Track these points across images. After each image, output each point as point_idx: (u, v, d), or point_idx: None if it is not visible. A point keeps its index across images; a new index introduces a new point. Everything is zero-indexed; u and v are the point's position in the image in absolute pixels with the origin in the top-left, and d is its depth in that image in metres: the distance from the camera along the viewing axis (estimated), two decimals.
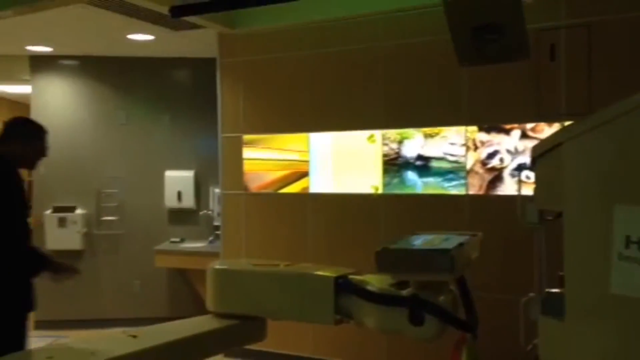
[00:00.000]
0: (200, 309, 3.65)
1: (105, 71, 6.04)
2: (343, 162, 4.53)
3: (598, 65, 3.56)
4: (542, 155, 1.88)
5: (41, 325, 5.83)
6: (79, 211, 5.95)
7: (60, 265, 3.11)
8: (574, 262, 1.66)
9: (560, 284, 1.88)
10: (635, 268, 1.52)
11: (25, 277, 2.96)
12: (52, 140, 5.98)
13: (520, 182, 2.06)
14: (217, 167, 5.08)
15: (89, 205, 6.02)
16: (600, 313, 1.62)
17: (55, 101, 6.04)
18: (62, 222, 5.88)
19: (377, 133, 4.39)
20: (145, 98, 6.08)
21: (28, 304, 3.03)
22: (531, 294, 1.95)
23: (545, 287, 1.95)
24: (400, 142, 4.31)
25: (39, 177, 6.00)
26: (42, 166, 5.92)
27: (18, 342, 2.93)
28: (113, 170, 6.01)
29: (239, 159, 4.89)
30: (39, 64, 5.97)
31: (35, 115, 5.98)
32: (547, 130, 3.75)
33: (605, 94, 3.44)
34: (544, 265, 1.93)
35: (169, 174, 5.97)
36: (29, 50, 5.75)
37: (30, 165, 3.18)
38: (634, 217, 1.52)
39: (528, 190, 2.33)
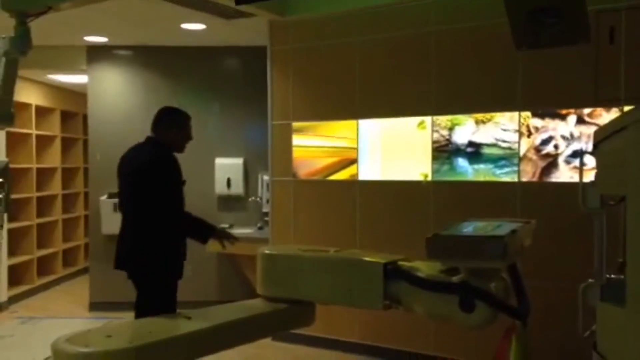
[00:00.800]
0: (248, 294, 3.73)
1: (158, 60, 6.18)
2: (392, 149, 4.51)
3: None
4: (604, 140, 1.83)
5: (95, 306, 6.06)
6: None
7: (224, 232, 3.57)
8: (637, 247, 1.61)
9: (619, 271, 1.84)
10: None
11: (190, 239, 3.48)
12: (106, 128, 6.22)
13: (582, 167, 2.01)
14: (266, 154, 5.14)
15: None
16: None
17: (110, 90, 6.22)
18: (116, 208, 6.05)
19: (427, 120, 4.35)
20: (197, 87, 6.19)
21: (179, 272, 3.51)
22: (590, 280, 1.91)
23: (606, 274, 1.91)
24: (450, 129, 4.26)
25: (95, 163, 6.20)
26: (98, 154, 6.16)
27: (171, 308, 3.35)
28: None
29: (288, 146, 4.94)
30: (95, 54, 6.15)
31: (91, 104, 6.20)
32: (604, 116, 3.64)
33: None
34: (604, 250, 1.88)
35: (219, 161, 6.08)
36: (86, 41, 5.93)
37: (180, 148, 3.53)
38: None
39: (584, 177, 2.27)
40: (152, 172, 3.32)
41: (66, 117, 7.94)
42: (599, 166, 1.96)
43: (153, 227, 3.32)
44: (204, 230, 3.52)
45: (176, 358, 2.73)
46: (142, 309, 3.31)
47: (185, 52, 6.11)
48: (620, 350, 1.72)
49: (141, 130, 6.16)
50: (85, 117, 6.79)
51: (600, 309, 1.84)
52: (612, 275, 1.89)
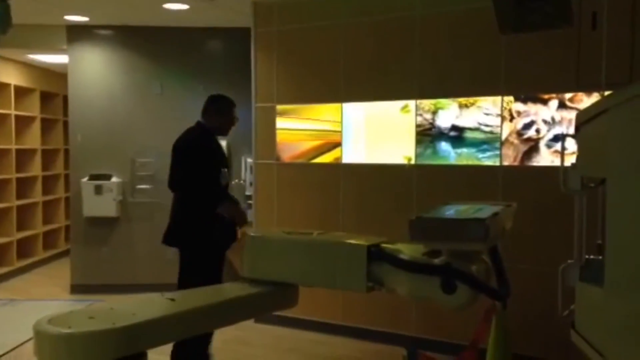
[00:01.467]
0: (231, 276, 3.73)
1: (140, 41, 6.09)
2: (376, 132, 4.52)
3: None
4: (586, 123, 1.86)
5: (76, 289, 6.03)
6: (114, 179, 6.08)
7: (241, 214, 3.69)
8: (616, 229, 1.65)
9: (598, 252, 1.88)
10: None
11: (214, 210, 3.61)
12: (87, 109, 6.14)
13: (563, 149, 2.04)
14: (249, 137, 5.12)
15: (124, 174, 6.14)
16: None
17: (92, 71, 6.13)
18: (98, 190, 6.02)
19: (411, 103, 4.36)
20: (180, 68, 6.13)
21: (217, 245, 3.75)
22: (570, 261, 1.95)
23: (585, 255, 1.95)
24: (434, 113, 4.28)
25: (76, 145, 6.13)
26: (79, 135, 6.09)
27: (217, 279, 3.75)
28: (148, 139, 6.10)
29: (272, 129, 4.92)
30: (76, 34, 6.05)
31: (72, 84, 6.11)
32: (585, 101, 3.68)
33: None
34: (584, 231, 1.92)
35: None
36: (66, 20, 5.83)
37: (224, 131, 3.85)
38: None
39: (566, 161, 2.30)
40: (183, 151, 3.68)
41: (46, 97, 7.82)
42: (580, 149, 1.99)
43: (187, 203, 3.68)
44: (217, 200, 3.66)
45: (160, 339, 2.72)
46: (186, 284, 3.48)
47: (168, 33, 6.03)
48: (597, 329, 1.76)
49: (123, 112, 6.16)
50: (65, 98, 6.69)
51: (579, 289, 1.88)
52: (591, 256, 1.92)
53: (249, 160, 5.52)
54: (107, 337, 2.49)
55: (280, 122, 4.90)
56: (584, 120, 1.88)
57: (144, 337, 2.61)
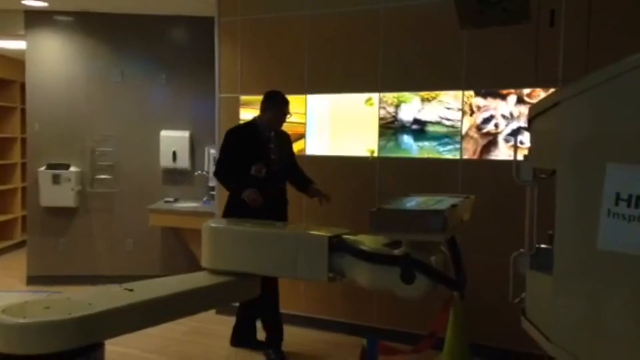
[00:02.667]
0: (192, 268, 3.71)
1: (101, 28, 5.96)
2: (340, 124, 4.55)
3: (596, 33, 3.56)
4: (538, 115, 1.91)
5: (34, 280, 5.90)
6: (73, 169, 5.95)
7: (254, 197, 3.76)
8: (565, 218, 1.70)
9: (549, 242, 1.94)
10: (623, 224, 1.57)
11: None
12: (45, 97, 5.99)
13: (516, 142, 2.10)
14: (213, 127, 5.07)
15: (83, 163, 6.02)
16: (587, 268, 1.68)
17: (50, 57, 5.97)
18: (56, 179, 5.88)
19: (375, 96, 4.40)
20: (142, 56, 6.03)
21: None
22: (521, 250, 2.01)
23: (535, 244, 2.01)
24: (397, 106, 4.32)
25: (33, 133, 5.98)
26: (36, 123, 5.94)
27: None
28: (108, 128, 6.00)
29: (235, 120, 4.88)
30: (34, 20, 5.88)
31: (30, 71, 5.94)
32: (542, 96, 3.77)
33: (602, 62, 3.45)
34: (534, 221, 1.98)
35: (164, 133, 5.96)
36: (24, 5, 5.66)
37: (274, 126, 3.99)
38: (625, 175, 1.56)
39: (521, 156, 2.36)
40: (223, 140, 4.03)
41: (2, 84, 7.60)
42: (532, 141, 2.05)
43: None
44: (236, 188, 3.90)
45: (117, 330, 2.70)
46: None
47: (130, 20, 5.92)
48: (546, 315, 1.82)
49: (83, 100, 6.03)
50: (23, 85, 6.50)
51: (530, 276, 1.94)
52: (542, 245, 1.99)
53: (212, 151, 5.47)
54: (63, 327, 2.45)
55: (244, 113, 4.87)
56: (536, 113, 1.93)
57: (100, 328, 2.58)
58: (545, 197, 2.08)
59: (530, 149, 2.05)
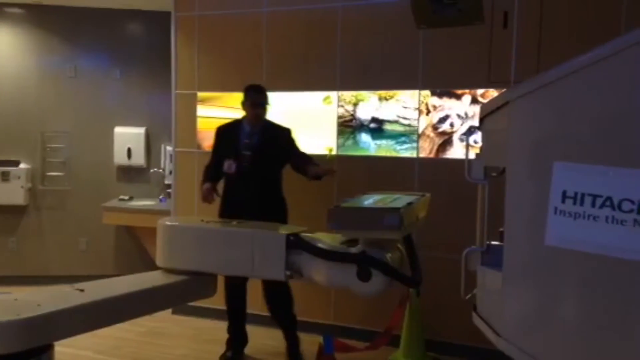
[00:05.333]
0: (148, 267, 3.65)
1: (53, 21, 5.79)
2: (298, 122, 4.52)
3: (548, 35, 3.67)
4: (489, 114, 1.95)
5: None
6: (23, 165, 5.76)
7: (204, 193, 3.86)
8: (514, 215, 1.75)
9: (501, 239, 1.98)
10: (569, 222, 1.61)
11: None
12: None
13: (467, 143, 2.14)
14: (169, 124, 5.00)
15: (33, 160, 5.84)
16: (535, 264, 1.72)
17: (0, 51, 5.76)
18: (4, 176, 5.69)
19: (333, 95, 4.41)
20: (95, 51, 5.88)
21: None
22: (473, 247, 2.05)
23: (486, 241, 2.05)
24: (355, 105, 4.35)
25: None
26: None
27: None
28: (60, 124, 5.83)
29: (192, 117, 4.83)
30: None
31: None
32: (494, 96, 3.85)
33: (553, 63, 3.55)
34: (485, 219, 2.02)
35: (119, 130, 5.84)
36: None
37: (252, 119, 3.90)
38: (571, 174, 1.61)
39: (473, 154, 2.40)
40: None
41: None
42: (483, 140, 2.09)
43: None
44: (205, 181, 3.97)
45: (68, 331, 2.62)
46: None
47: (84, 13, 5.77)
48: (496, 310, 1.86)
49: (34, 95, 5.84)
50: None
51: (480, 273, 1.98)
52: (493, 242, 2.03)
53: (169, 148, 5.39)
54: (10, 328, 2.37)
55: (202, 110, 4.82)
56: (487, 112, 1.98)
57: (50, 329, 2.51)
58: (499, 195, 2.12)
59: (481, 148, 2.09)
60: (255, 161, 3.85)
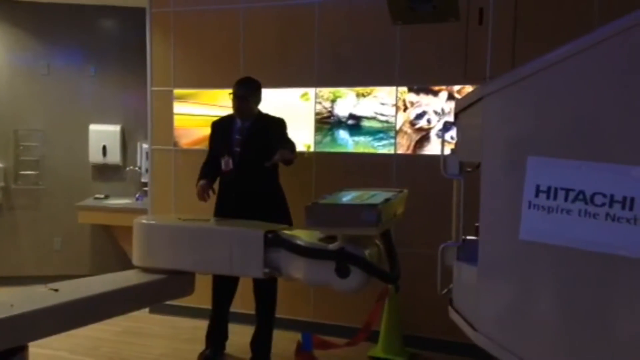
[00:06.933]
0: (124, 267, 3.61)
1: (26, 18, 5.67)
2: None
3: (523, 31, 3.70)
4: (464, 110, 1.97)
5: None
6: None
7: (198, 190, 3.79)
8: (488, 210, 1.76)
9: (476, 234, 2.00)
10: (543, 215, 1.63)
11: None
12: None
13: (443, 139, 2.15)
14: (145, 121, 4.94)
15: (6, 159, 5.73)
16: (510, 258, 1.74)
17: None
18: None
19: (311, 91, 4.40)
20: (70, 48, 5.78)
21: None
22: (449, 242, 2.06)
23: (462, 236, 2.06)
24: (333, 101, 4.34)
25: None
26: None
27: None
28: (33, 122, 5.73)
29: (169, 114, 4.78)
30: None
31: None
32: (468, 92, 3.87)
33: (528, 60, 3.59)
34: (461, 214, 2.03)
35: (94, 127, 5.75)
36: None
37: (237, 113, 3.81)
38: (544, 168, 1.62)
39: (449, 150, 2.42)
40: None
41: None
42: (458, 135, 2.11)
43: None
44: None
45: (41, 332, 2.59)
46: None
47: (57, 9, 5.66)
48: (472, 305, 1.87)
49: (5, 93, 5.72)
50: None
51: (456, 267, 2.00)
52: (469, 237, 2.05)
53: (145, 146, 5.32)
54: None
55: (178, 107, 4.77)
56: (462, 108, 1.99)
57: (23, 330, 2.48)
58: (477, 191, 2.14)
59: (456, 144, 2.11)
60: (245, 158, 3.74)
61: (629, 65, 1.49)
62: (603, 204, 1.55)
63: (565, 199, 1.59)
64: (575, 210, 1.58)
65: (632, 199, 1.50)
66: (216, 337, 3.98)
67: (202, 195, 3.76)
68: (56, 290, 2.82)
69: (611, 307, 1.56)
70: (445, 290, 2.12)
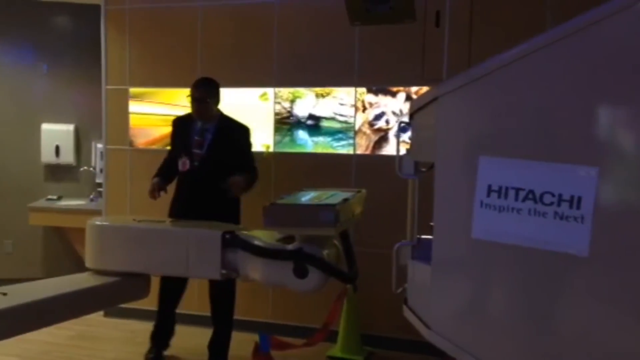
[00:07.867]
0: (78, 269, 3.51)
1: None
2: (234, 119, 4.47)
3: (478, 33, 3.77)
4: (418, 110, 1.98)
5: None
6: None
7: (150, 189, 3.75)
8: (442, 209, 1.78)
9: (431, 233, 2.02)
10: (494, 215, 1.66)
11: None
12: None
13: (399, 139, 2.17)
14: (100, 121, 4.82)
15: None
16: (463, 257, 1.76)
17: None
18: None
19: (270, 91, 4.37)
20: (20, 44, 5.60)
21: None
22: (404, 241, 2.08)
23: (415, 234, 2.08)
24: (292, 101, 4.33)
25: None
26: None
27: None
28: None
29: (124, 113, 4.68)
30: None
31: None
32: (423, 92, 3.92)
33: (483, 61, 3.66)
34: (416, 213, 2.05)
35: (46, 127, 5.59)
36: None
37: (195, 114, 3.75)
38: (496, 168, 1.65)
39: (405, 150, 2.43)
40: None
41: None
42: (413, 135, 2.13)
43: None
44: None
45: None
46: None
47: (8, 5, 5.49)
48: (425, 303, 1.89)
49: None
50: None
51: (411, 266, 2.01)
52: (424, 236, 2.07)
53: (100, 145, 5.20)
54: None
55: (134, 106, 4.67)
56: (417, 108, 2.01)
57: None
58: (432, 190, 2.16)
59: (411, 144, 2.13)
60: (204, 161, 3.69)
61: (578, 67, 1.53)
62: (552, 203, 1.58)
63: (516, 199, 1.62)
64: (525, 209, 1.61)
65: (580, 198, 1.53)
66: (161, 337, 3.92)
67: (152, 192, 3.70)
68: (4, 294, 2.71)
69: (561, 305, 1.59)
70: (400, 289, 2.13)
